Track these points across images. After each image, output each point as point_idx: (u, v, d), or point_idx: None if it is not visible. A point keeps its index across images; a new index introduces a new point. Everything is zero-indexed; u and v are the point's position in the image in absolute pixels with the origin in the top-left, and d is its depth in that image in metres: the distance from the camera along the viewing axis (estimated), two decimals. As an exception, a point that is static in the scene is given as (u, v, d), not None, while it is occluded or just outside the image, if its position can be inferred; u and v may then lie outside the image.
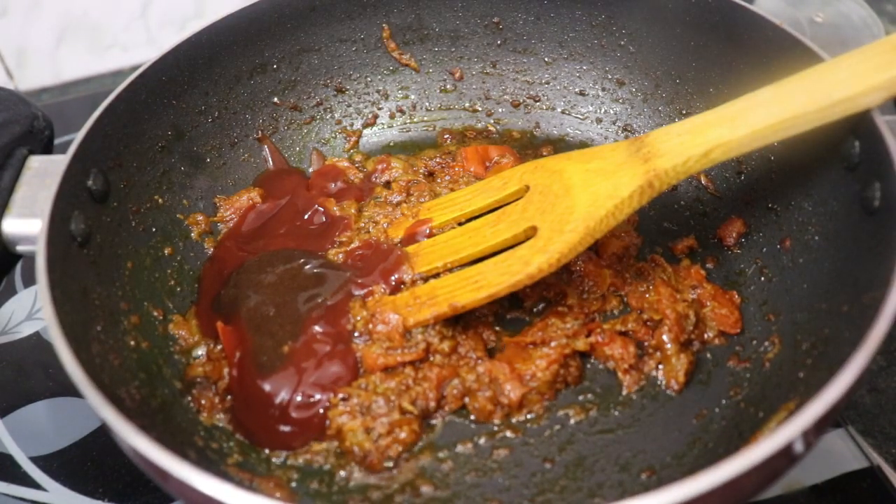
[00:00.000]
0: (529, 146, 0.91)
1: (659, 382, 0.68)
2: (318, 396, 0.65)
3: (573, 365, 0.69)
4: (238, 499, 0.45)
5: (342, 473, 0.63)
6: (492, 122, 0.94)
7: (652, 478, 0.62)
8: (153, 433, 0.49)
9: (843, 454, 0.71)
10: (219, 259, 0.78)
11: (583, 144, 0.91)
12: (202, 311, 0.74)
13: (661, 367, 0.69)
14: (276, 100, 0.89)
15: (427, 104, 0.94)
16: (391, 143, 0.93)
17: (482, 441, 0.65)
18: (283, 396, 0.65)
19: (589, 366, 0.70)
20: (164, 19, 1.25)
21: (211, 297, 0.75)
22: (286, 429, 0.65)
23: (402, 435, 0.64)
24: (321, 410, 0.65)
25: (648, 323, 0.70)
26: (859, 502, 0.68)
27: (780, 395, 0.60)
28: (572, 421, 0.66)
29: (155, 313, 0.72)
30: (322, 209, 0.82)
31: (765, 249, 0.74)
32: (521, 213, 0.72)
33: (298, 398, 0.65)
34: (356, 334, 0.69)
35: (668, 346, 0.68)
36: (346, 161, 0.89)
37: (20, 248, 0.64)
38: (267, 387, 0.65)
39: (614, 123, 0.90)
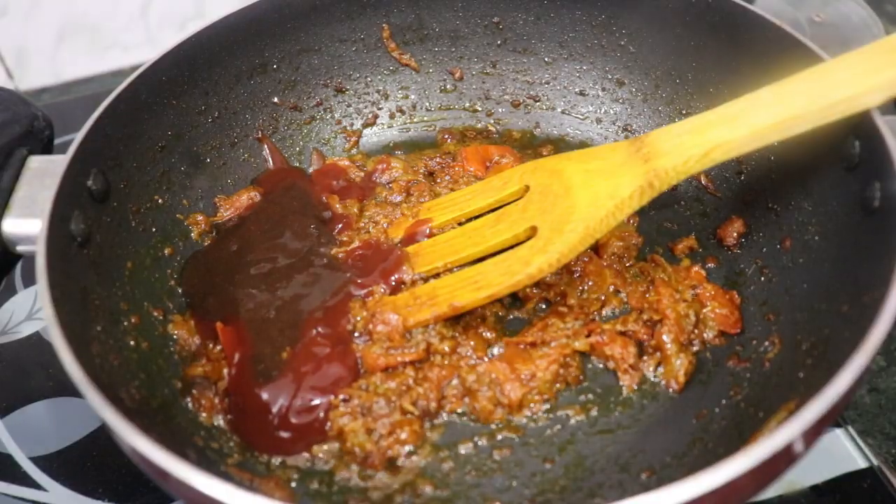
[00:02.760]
0: (529, 146, 0.91)
1: (659, 382, 0.68)
2: (317, 401, 0.65)
3: (573, 365, 0.69)
4: (238, 499, 0.45)
5: (342, 473, 0.63)
6: (492, 122, 0.94)
7: (652, 478, 0.62)
8: (153, 433, 0.49)
9: (843, 454, 0.71)
10: (215, 258, 0.78)
11: (583, 144, 0.91)
12: (198, 312, 0.74)
13: (660, 367, 0.69)
14: (276, 100, 0.89)
15: (427, 104, 0.94)
16: (391, 143, 0.93)
17: (482, 441, 0.65)
18: (281, 403, 0.65)
19: (589, 366, 0.70)
20: (164, 19, 1.25)
21: (204, 296, 0.75)
22: (286, 435, 0.65)
23: (404, 436, 0.64)
24: (321, 414, 0.65)
25: (648, 323, 0.70)
26: (859, 502, 0.68)
27: (780, 395, 0.60)
28: (572, 421, 0.66)
29: (155, 313, 0.72)
30: (327, 202, 0.82)
31: (765, 249, 0.74)
32: (521, 213, 0.72)
33: (298, 403, 0.65)
34: (356, 335, 0.69)
35: (668, 346, 0.68)
36: (347, 160, 0.89)
37: (20, 248, 0.64)
38: (265, 395, 0.65)
39: (614, 123, 0.90)
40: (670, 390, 0.68)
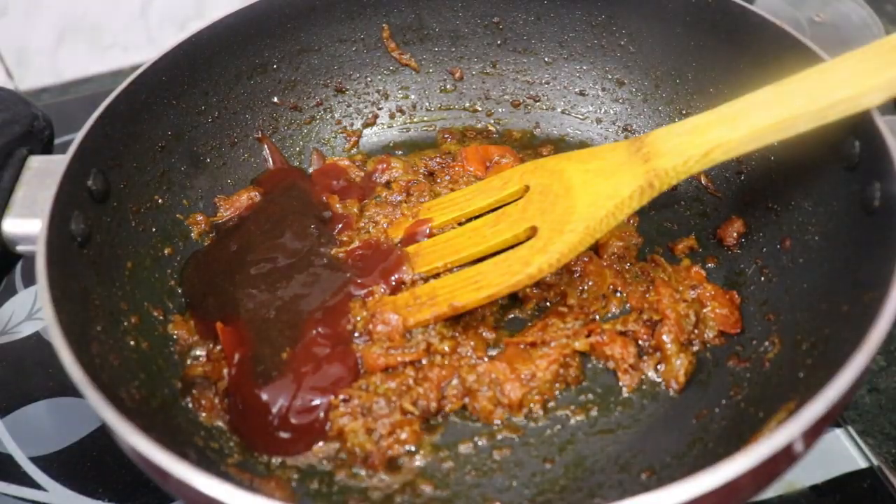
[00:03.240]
0: (529, 146, 0.91)
1: (659, 382, 0.68)
2: (317, 401, 0.65)
3: (573, 365, 0.69)
4: (238, 499, 0.45)
5: (342, 473, 0.63)
6: (492, 122, 0.94)
7: (652, 478, 0.62)
8: (153, 433, 0.49)
9: (843, 454, 0.71)
10: (215, 258, 0.78)
11: (583, 144, 0.91)
12: (198, 312, 0.74)
13: (661, 367, 0.69)
14: (276, 100, 0.89)
15: (427, 104, 0.94)
16: (391, 143, 0.93)
17: (482, 441, 0.65)
18: (281, 403, 0.65)
19: (589, 366, 0.70)
20: (164, 19, 1.25)
21: (204, 296, 0.75)
22: (286, 435, 0.64)
23: (404, 436, 0.64)
24: (321, 414, 0.65)
25: (648, 323, 0.70)
26: (859, 502, 0.68)
27: (780, 395, 0.60)
28: (572, 421, 0.66)
29: (155, 313, 0.72)
30: (327, 201, 0.82)
31: (765, 249, 0.74)
32: (521, 213, 0.72)
33: (298, 403, 0.65)
34: (356, 335, 0.69)
35: (669, 346, 0.68)
36: (347, 160, 0.89)
37: (20, 248, 0.64)
38: (265, 396, 0.65)
39: (614, 123, 0.90)
40: (670, 390, 0.68)
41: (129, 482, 0.72)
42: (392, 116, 0.94)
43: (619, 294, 0.74)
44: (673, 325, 0.69)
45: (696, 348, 0.70)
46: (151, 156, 0.77)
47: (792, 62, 0.64)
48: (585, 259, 0.74)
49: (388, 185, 0.85)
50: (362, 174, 0.87)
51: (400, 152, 0.92)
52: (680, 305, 0.70)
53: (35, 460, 0.75)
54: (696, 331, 0.70)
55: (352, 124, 0.93)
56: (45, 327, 0.86)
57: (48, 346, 0.71)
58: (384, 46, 0.92)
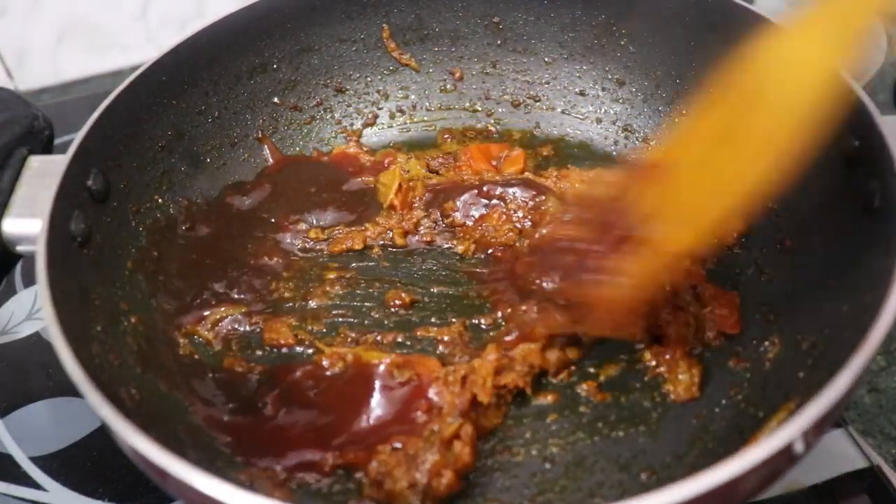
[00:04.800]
0: (529, 146, 0.91)
1: (659, 384, 0.68)
2: None
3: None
4: (238, 499, 0.45)
5: (341, 472, 0.63)
6: (492, 122, 0.94)
7: (652, 478, 0.62)
8: (153, 433, 0.49)
9: (843, 454, 0.71)
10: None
11: (583, 144, 0.91)
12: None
13: (680, 376, 0.68)
14: (276, 100, 0.89)
15: (427, 104, 0.94)
16: (391, 143, 0.93)
17: (482, 441, 0.65)
18: None
19: (590, 367, 0.70)
20: (164, 19, 1.25)
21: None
22: None
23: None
24: None
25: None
26: (859, 502, 0.68)
27: (780, 395, 0.60)
28: (573, 420, 0.66)
29: (155, 313, 0.72)
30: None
31: (765, 249, 0.74)
32: None
33: None
34: None
35: (675, 363, 0.68)
36: (354, 146, 0.89)
37: (20, 248, 0.64)
38: None
39: (614, 123, 0.90)
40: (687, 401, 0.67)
41: (129, 482, 0.72)
42: (392, 116, 0.94)
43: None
44: (674, 343, 0.68)
45: (697, 351, 0.69)
46: (151, 156, 0.77)
47: (792, 62, 0.63)
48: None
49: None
50: (372, 159, 0.88)
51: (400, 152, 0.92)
52: (680, 319, 0.69)
53: (35, 460, 0.74)
54: (696, 334, 0.70)
55: (352, 124, 0.93)
56: (45, 327, 0.86)
57: (48, 346, 0.71)
58: (384, 46, 0.92)
